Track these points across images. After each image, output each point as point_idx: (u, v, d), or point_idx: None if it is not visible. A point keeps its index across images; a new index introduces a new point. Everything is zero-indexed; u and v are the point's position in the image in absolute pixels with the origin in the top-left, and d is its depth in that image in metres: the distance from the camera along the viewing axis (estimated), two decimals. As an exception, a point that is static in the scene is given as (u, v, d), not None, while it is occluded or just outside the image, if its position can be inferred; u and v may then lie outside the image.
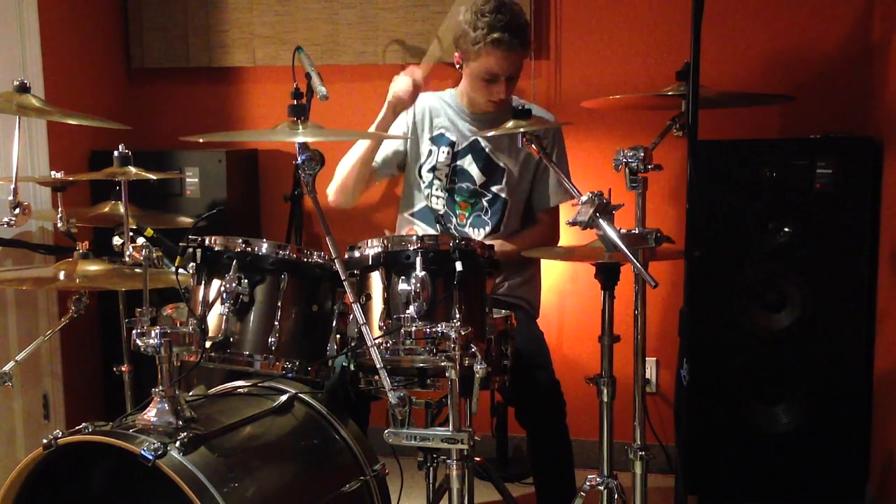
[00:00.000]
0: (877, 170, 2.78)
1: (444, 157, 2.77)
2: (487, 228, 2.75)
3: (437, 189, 2.77)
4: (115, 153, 2.26)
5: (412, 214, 2.82)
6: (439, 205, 2.77)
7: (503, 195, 2.74)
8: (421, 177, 2.80)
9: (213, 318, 1.98)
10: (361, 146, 2.78)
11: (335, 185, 2.82)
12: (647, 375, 3.29)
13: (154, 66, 3.60)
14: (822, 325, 2.81)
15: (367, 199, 2.89)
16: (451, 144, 2.77)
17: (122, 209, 2.22)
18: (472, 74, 2.65)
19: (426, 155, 2.79)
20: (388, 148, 2.82)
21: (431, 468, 2.15)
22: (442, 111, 2.81)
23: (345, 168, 2.79)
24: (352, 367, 2.06)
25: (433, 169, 2.77)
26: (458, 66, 2.70)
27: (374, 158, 2.79)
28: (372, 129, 2.77)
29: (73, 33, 3.36)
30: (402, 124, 2.81)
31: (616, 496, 2.20)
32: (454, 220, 2.76)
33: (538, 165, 2.74)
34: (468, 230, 2.75)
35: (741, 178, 2.83)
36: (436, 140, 2.79)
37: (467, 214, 2.76)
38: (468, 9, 2.60)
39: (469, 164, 2.76)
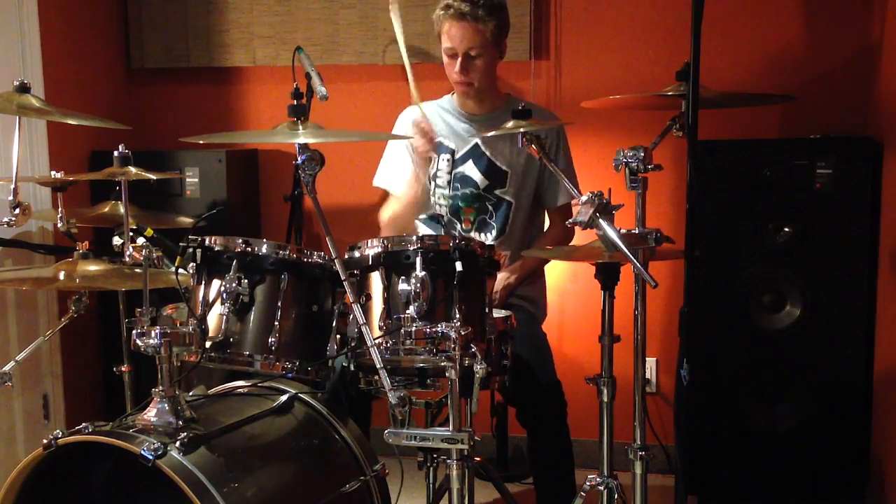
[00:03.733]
0: (877, 170, 2.78)
1: (444, 164, 2.76)
2: (493, 232, 2.74)
3: (440, 197, 2.77)
4: (115, 153, 2.26)
5: (423, 220, 2.83)
6: (444, 211, 2.77)
7: (507, 198, 2.74)
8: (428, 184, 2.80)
9: (213, 318, 1.98)
10: (405, 199, 2.75)
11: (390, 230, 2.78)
12: (647, 375, 3.29)
13: (154, 66, 3.60)
14: (822, 325, 2.81)
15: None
16: (451, 151, 2.76)
17: (122, 209, 2.21)
18: (443, 56, 2.67)
19: (428, 164, 2.79)
20: (406, 172, 2.80)
21: (431, 468, 2.15)
22: (439, 118, 2.81)
23: (400, 220, 2.77)
24: (352, 368, 2.06)
25: (435, 177, 2.77)
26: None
27: (423, 199, 2.78)
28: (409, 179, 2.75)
29: (73, 33, 3.36)
30: (404, 133, 2.79)
31: (616, 496, 2.20)
32: (459, 225, 2.76)
33: (542, 166, 2.74)
34: (474, 234, 2.74)
35: (741, 178, 2.83)
36: (435, 149, 2.79)
37: (472, 219, 2.76)
38: None
39: (470, 169, 2.75)
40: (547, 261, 2.86)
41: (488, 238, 2.74)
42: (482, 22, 2.59)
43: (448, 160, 2.76)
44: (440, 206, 2.77)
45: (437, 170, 2.77)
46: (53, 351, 3.15)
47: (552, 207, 2.80)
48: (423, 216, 2.82)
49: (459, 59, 2.61)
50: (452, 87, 2.81)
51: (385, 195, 2.85)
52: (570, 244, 2.80)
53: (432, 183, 2.77)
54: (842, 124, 3.00)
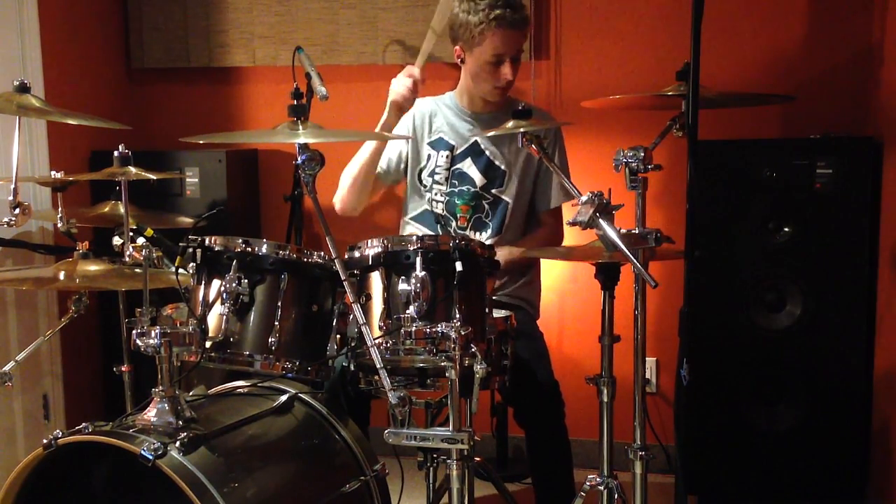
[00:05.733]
0: (877, 170, 2.78)
1: (443, 160, 2.76)
2: (489, 231, 2.74)
3: (437, 193, 2.77)
4: (115, 153, 2.26)
5: (413, 218, 2.82)
6: (440, 208, 2.77)
7: (504, 197, 2.74)
8: (421, 181, 2.79)
9: (213, 318, 1.98)
10: (364, 152, 2.77)
11: (341, 194, 2.81)
12: (647, 375, 3.29)
13: (154, 66, 3.60)
14: (822, 325, 2.81)
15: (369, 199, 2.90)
16: (450, 148, 2.76)
17: (122, 209, 2.21)
18: (477, 62, 2.64)
19: (426, 159, 2.79)
20: (392, 152, 2.81)
21: (431, 468, 2.15)
22: (440, 114, 2.81)
23: (349, 175, 2.79)
24: (352, 368, 2.06)
25: (433, 173, 2.77)
26: (459, 60, 2.70)
27: (378, 163, 2.79)
28: (376, 130, 2.77)
29: (73, 33, 3.36)
30: (403, 129, 2.80)
31: (616, 496, 2.20)
32: (454, 222, 2.76)
33: (539, 167, 2.74)
34: (469, 233, 2.75)
35: (741, 178, 2.83)
36: (434, 144, 2.79)
37: (468, 217, 2.75)
38: (461, 0, 2.62)
39: (469, 166, 2.75)
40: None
41: (483, 236, 2.74)
42: (526, 23, 2.67)
43: (447, 157, 2.76)
44: (437, 202, 2.77)
45: (436, 166, 2.77)
46: (53, 351, 3.15)
47: (544, 209, 2.80)
48: (418, 212, 2.82)
49: (508, 63, 2.62)
50: (453, 86, 2.82)
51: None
52: (568, 245, 2.80)
53: (430, 178, 2.77)
54: (842, 124, 2.99)
